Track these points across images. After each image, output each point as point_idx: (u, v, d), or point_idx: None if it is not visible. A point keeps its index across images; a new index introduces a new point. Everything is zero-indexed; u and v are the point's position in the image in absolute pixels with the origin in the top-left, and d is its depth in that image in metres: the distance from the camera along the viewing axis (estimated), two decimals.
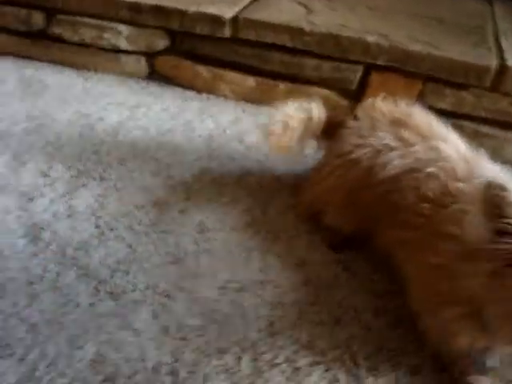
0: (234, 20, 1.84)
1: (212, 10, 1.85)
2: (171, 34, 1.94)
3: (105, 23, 1.97)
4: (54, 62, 2.11)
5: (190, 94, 1.96)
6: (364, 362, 1.14)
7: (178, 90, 1.97)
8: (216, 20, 1.84)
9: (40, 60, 2.13)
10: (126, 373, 1.08)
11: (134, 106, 1.87)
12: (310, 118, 1.45)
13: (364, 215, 1.29)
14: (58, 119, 1.79)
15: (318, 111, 1.46)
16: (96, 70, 2.06)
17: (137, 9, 1.91)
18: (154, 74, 2.03)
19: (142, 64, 2.02)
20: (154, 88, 1.98)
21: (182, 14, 1.88)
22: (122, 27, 1.96)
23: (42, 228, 1.38)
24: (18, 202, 1.46)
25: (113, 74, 2.05)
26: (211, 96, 1.95)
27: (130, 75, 2.04)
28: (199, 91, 1.96)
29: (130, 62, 2.02)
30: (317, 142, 1.52)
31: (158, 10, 1.90)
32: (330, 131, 1.45)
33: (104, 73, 2.06)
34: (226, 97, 1.94)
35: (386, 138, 1.27)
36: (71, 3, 1.99)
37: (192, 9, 1.86)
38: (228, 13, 1.85)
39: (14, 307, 1.19)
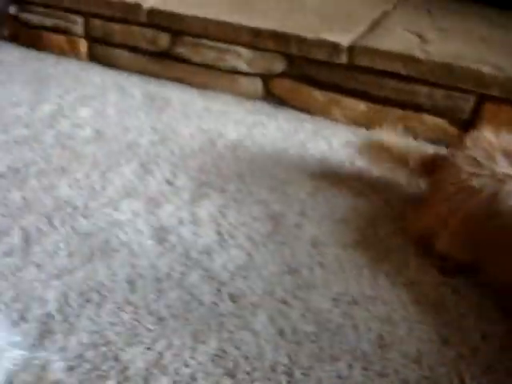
0: (351, 47, 1.92)
1: (330, 37, 1.94)
2: (289, 58, 2.04)
3: (226, 46, 2.10)
4: (175, 79, 2.26)
5: (304, 115, 2.04)
6: (471, 381, 1.17)
7: (292, 112, 2.07)
8: (334, 47, 1.92)
9: (163, 77, 2.28)
10: (246, 369, 1.16)
11: (251, 124, 1.98)
12: (407, 150, 1.54)
13: (481, 243, 1.32)
14: (180, 133, 1.92)
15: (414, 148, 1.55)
16: (214, 89, 2.18)
17: (258, 34, 2.03)
18: (269, 95, 2.14)
19: (258, 85, 2.13)
20: (269, 109, 2.08)
21: (300, 40, 1.97)
22: (243, 50, 2.08)
23: (169, 231, 1.49)
24: (146, 206, 1.59)
25: (230, 94, 2.17)
26: (323, 118, 2.02)
27: (246, 96, 2.15)
28: (312, 114, 2.04)
29: (247, 83, 2.14)
30: (415, 173, 1.59)
31: (278, 35, 2.00)
32: (430, 164, 1.52)
33: (222, 92, 2.17)
34: (337, 120, 2.01)
35: (506, 167, 1.30)
36: (196, 27, 2.14)
37: (311, 35, 1.96)
38: (345, 40, 1.93)
39: (143, 300, 1.30)
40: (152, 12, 2.23)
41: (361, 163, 1.77)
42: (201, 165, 1.76)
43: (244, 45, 2.07)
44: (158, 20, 2.23)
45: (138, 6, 2.24)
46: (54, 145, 1.85)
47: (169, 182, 1.68)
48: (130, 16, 2.28)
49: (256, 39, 2.04)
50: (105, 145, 1.85)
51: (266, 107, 2.10)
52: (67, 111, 2.06)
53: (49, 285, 1.32)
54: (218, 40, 2.12)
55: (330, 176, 1.73)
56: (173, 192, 1.64)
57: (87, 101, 2.13)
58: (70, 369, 1.14)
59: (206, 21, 2.13)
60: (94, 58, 2.46)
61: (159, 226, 1.51)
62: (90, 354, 1.17)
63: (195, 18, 2.15)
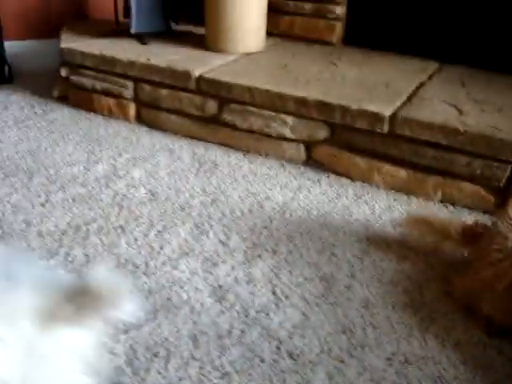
0: (392, 117, 2.03)
1: (372, 107, 2.06)
2: (331, 126, 2.15)
3: (272, 114, 2.22)
4: (222, 143, 2.38)
5: (345, 181, 2.14)
6: None
7: (333, 177, 2.17)
8: (376, 117, 2.04)
9: (210, 141, 2.40)
10: None
11: (296, 188, 2.08)
12: (448, 221, 1.65)
13: None
14: (230, 195, 2.02)
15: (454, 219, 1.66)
16: (259, 154, 2.30)
17: (303, 103, 2.15)
18: (310, 160, 2.24)
19: (300, 151, 2.25)
20: (311, 173, 2.19)
21: (344, 109, 2.09)
22: (288, 118, 2.20)
23: (226, 290, 1.58)
24: (203, 265, 1.67)
25: (274, 158, 2.28)
26: (364, 184, 2.12)
27: (289, 160, 2.27)
28: (353, 179, 2.15)
29: (290, 148, 2.25)
30: (458, 243, 1.69)
31: (323, 105, 2.12)
32: (471, 233, 1.62)
33: (266, 156, 2.29)
34: (378, 186, 2.11)
35: None
36: (244, 95, 2.27)
37: (354, 106, 2.08)
38: (387, 111, 2.05)
39: (207, 356, 1.37)
40: (200, 80, 2.36)
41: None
42: (251, 226, 1.85)
43: (289, 113, 2.19)
44: (206, 87, 2.36)
45: (187, 74, 2.38)
46: (111, 204, 1.96)
47: (222, 243, 1.76)
48: (179, 83, 2.42)
49: (301, 108, 2.16)
50: (159, 205, 1.95)
51: (308, 172, 2.20)
52: (121, 172, 2.17)
53: (118, 339, 1.39)
54: (264, 108, 2.24)
55: (375, 240, 1.82)
56: (227, 252, 1.72)
57: (139, 162, 2.24)
58: None
59: (252, 89, 2.25)
60: (141, 120, 2.60)
61: (217, 284, 1.60)
62: None
63: (242, 87, 2.27)
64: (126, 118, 2.62)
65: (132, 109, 2.60)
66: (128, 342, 1.39)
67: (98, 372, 0.93)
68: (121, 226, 1.84)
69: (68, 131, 2.52)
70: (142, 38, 2.78)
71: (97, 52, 2.64)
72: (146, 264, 1.67)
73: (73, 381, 0.88)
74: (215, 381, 1.30)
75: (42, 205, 1.95)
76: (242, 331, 1.44)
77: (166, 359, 1.36)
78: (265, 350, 1.39)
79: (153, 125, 2.55)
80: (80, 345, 0.88)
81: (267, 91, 2.22)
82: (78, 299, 0.85)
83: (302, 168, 2.23)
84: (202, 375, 1.32)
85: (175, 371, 1.33)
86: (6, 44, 3.07)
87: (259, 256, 1.71)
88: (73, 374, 0.88)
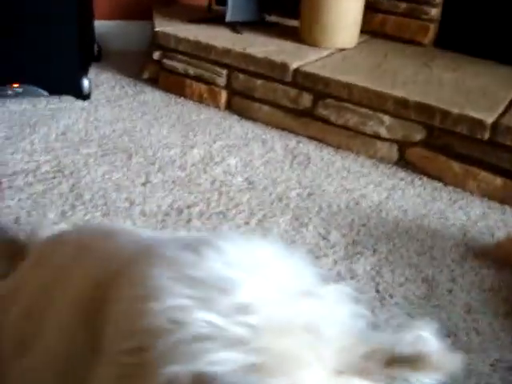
0: (494, 125, 2.02)
1: (474, 114, 2.06)
2: (429, 128, 2.15)
3: (370, 112, 2.24)
4: (314, 138, 2.40)
5: (437, 184, 2.15)
6: None
7: (425, 179, 2.18)
8: (478, 123, 2.03)
9: (302, 134, 2.43)
10: None
11: (390, 188, 2.10)
12: None
13: None
14: (325, 190, 2.05)
15: None
16: (351, 151, 2.31)
17: (403, 104, 2.16)
18: (402, 161, 2.25)
19: (393, 151, 2.26)
20: (404, 174, 2.20)
21: (444, 113, 2.09)
22: (386, 117, 2.21)
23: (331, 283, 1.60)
24: (306, 257, 1.70)
25: (364, 156, 2.29)
26: (457, 189, 2.13)
27: (380, 159, 2.28)
28: (446, 183, 2.15)
29: (383, 147, 2.26)
30: None
31: (423, 107, 2.13)
32: None
33: (357, 154, 2.31)
34: (471, 192, 2.11)
35: None
36: (341, 91, 2.29)
37: (455, 110, 2.08)
38: (489, 118, 2.04)
39: None
40: (297, 72, 2.39)
41: (499, 235, 1.86)
42: (349, 223, 1.87)
43: (387, 112, 2.20)
44: (302, 80, 2.39)
45: (285, 66, 2.41)
46: (210, 189, 2.00)
47: (323, 237, 1.79)
48: (276, 74, 2.45)
49: (400, 108, 2.17)
50: (257, 194, 1.99)
51: (400, 172, 2.21)
52: (216, 158, 2.21)
53: None
54: (362, 105, 2.25)
55: (472, 245, 1.82)
56: (328, 246, 1.75)
57: (233, 150, 2.28)
58: None
59: (350, 86, 2.27)
60: (231, 108, 2.64)
61: (320, 278, 1.62)
62: None
63: (340, 83, 2.29)
64: (216, 105, 2.66)
65: (223, 96, 2.64)
66: None
67: None
68: (222, 212, 1.88)
69: (160, 114, 2.58)
70: (235, 27, 2.82)
71: (191, 37, 2.69)
72: None
73: None
74: None
75: (143, 185, 2.01)
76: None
77: None
78: None
79: (243, 114, 2.59)
80: None
81: (366, 89, 2.24)
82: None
83: (394, 168, 2.24)
84: None
85: None
86: (96, 23, 3.14)
87: (360, 253, 1.74)
88: None
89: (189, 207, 1.90)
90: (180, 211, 1.87)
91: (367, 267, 1.68)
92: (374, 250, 1.76)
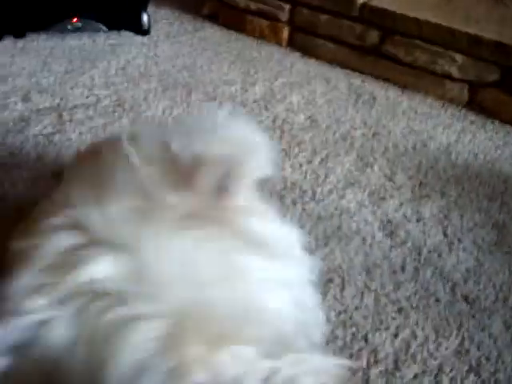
0: None
1: None
2: (503, 69, 2.03)
3: (441, 50, 2.12)
4: (380, 77, 2.30)
5: (510, 128, 2.04)
6: None
7: (498, 123, 2.07)
8: None
9: (367, 73, 2.33)
10: (489, 369, 1.20)
11: (460, 131, 2.00)
12: None
13: None
14: (391, 130, 1.97)
15: None
16: (418, 91, 2.21)
17: (477, 41, 2.04)
18: (473, 103, 2.14)
19: (464, 92, 2.15)
20: (474, 117, 2.10)
21: None
22: (458, 56, 2.09)
23: (397, 226, 1.55)
24: (371, 198, 1.65)
25: (433, 97, 2.19)
26: None
27: (450, 101, 2.17)
28: None
29: (453, 88, 2.16)
30: None
31: (498, 45, 2.01)
32: None
33: (425, 94, 2.20)
34: None
35: None
36: (411, 27, 2.17)
37: None
38: None
39: (382, 289, 1.36)
40: (365, 7, 2.28)
41: None
42: (417, 165, 1.80)
43: (460, 51, 2.08)
44: (370, 16, 2.28)
45: (351, 0, 2.30)
46: (272, 127, 1.95)
47: (388, 178, 1.73)
48: (341, 9, 2.34)
49: (474, 46, 2.05)
50: (320, 133, 1.93)
51: (471, 115, 2.11)
52: (278, 95, 2.15)
53: None
54: (433, 43, 2.13)
55: None
56: (394, 187, 1.69)
57: (295, 88, 2.21)
58: (325, 343, 1.21)
59: (421, 22, 2.15)
60: (294, 45, 2.55)
61: (386, 219, 1.57)
62: (340, 333, 1.24)
63: (410, 18, 2.18)
64: (278, 41, 2.58)
65: (285, 33, 2.56)
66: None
67: None
68: (284, 150, 1.83)
69: (220, 50, 2.51)
70: None
71: None
72: (313, 190, 1.66)
73: None
74: (392, 314, 1.30)
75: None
76: (416, 269, 1.42)
77: (340, 286, 1.36)
78: (440, 290, 1.37)
79: (306, 51, 2.50)
80: None
81: (437, 25, 2.12)
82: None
83: (464, 110, 2.14)
84: (379, 307, 1.31)
85: (351, 300, 1.33)
86: None
87: (427, 196, 1.67)
88: None
89: None
90: None
91: (435, 210, 1.62)
92: (443, 193, 1.69)
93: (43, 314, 0.60)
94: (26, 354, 0.58)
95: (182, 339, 0.60)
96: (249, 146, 0.77)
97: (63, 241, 0.69)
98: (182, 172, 0.76)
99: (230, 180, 0.77)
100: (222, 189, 0.78)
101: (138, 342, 0.59)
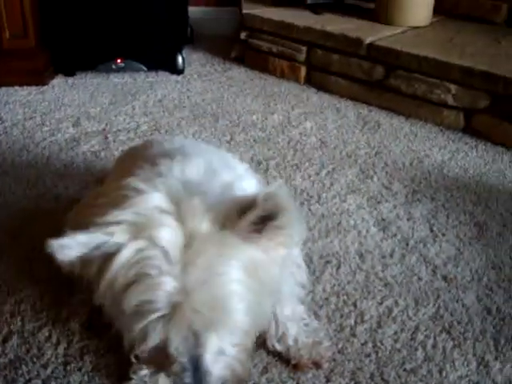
0: None
1: None
2: (493, 96, 2.30)
3: (437, 81, 2.41)
4: (385, 107, 2.59)
5: (500, 148, 2.30)
6: None
7: (490, 145, 2.33)
8: None
9: (374, 104, 2.63)
10: (460, 330, 1.44)
11: (454, 150, 2.27)
12: None
13: None
14: (392, 150, 2.25)
15: None
16: (419, 119, 2.49)
17: (469, 72, 2.32)
18: (468, 128, 2.41)
19: (460, 118, 2.42)
20: (468, 139, 2.36)
21: (508, 81, 2.24)
22: (452, 86, 2.38)
23: (389, 223, 1.81)
24: (369, 202, 1.92)
25: (433, 123, 2.47)
26: None
27: (447, 126, 2.44)
28: (509, 148, 2.29)
29: (450, 115, 2.43)
30: None
31: (487, 75, 2.28)
32: None
33: (425, 121, 2.48)
34: None
35: None
36: (411, 63, 2.47)
37: None
38: None
39: (372, 269, 1.62)
40: (371, 46, 2.59)
41: None
42: (412, 177, 2.07)
43: (453, 81, 2.37)
44: (376, 54, 2.59)
45: (359, 41, 2.62)
46: (287, 147, 2.25)
47: (385, 187, 2.00)
48: (351, 49, 2.66)
49: (466, 77, 2.33)
50: (329, 151, 2.22)
51: (465, 138, 2.38)
52: (294, 122, 2.45)
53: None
54: (430, 75, 2.43)
55: None
56: (389, 194, 1.96)
57: (309, 116, 2.52)
58: (319, 307, 1.47)
59: (420, 58, 2.45)
60: (310, 82, 2.87)
61: (380, 218, 1.84)
62: (333, 300, 1.50)
63: (411, 55, 2.48)
64: (296, 79, 2.90)
65: (303, 71, 2.88)
66: (304, 251, 1.67)
67: None
68: (296, 165, 2.12)
69: (245, 87, 2.85)
70: (315, 9, 3.04)
71: (275, 18, 2.94)
72: (319, 195, 1.94)
73: None
74: (379, 287, 1.55)
75: (228, 142, 2.28)
76: (403, 255, 1.68)
77: (336, 267, 1.62)
78: (422, 272, 1.61)
79: (321, 87, 2.81)
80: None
81: (434, 60, 2.41)
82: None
83: (460, 134, 2.40)
84: (368, 282, 1.56)
85: (345, 276, 1.59)
86: (190, 9, 3.45)
87: (419, 200, 1.93)
88: None
89: (267, 160, 2.15)
90: (259, 163, 2.13)
91: (424, 212, 1.88)
92: (432, 198, 1.95)
93: (112, 233, 0.89)
94: (96, 250, 0.88)
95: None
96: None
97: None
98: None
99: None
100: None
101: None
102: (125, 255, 0.84)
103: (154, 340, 0.86)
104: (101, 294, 0.88)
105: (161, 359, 0.91)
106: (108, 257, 0.86)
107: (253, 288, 0.89)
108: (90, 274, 0.89)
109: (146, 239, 0.85)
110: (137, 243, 0.85)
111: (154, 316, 0.84)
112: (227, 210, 0.88)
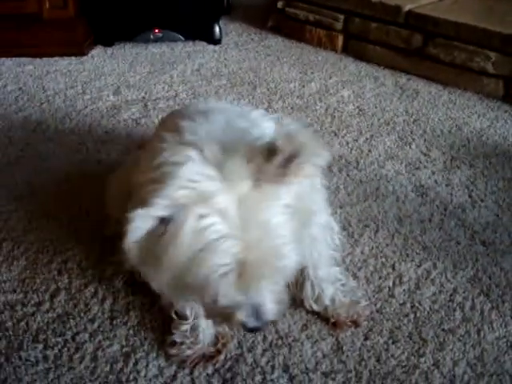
0: None
1: None
2: None
3: (477, 49, 2.38)
4: (423, 76, 2.58)
5: None
6: None
7: None
8: None
9: (412, 73, 2.61)
10: (498, 293, 1.45)
11: (493, 118, 2.25)
12: None
13: None
14: (430, 117, 2.24)
15: None
16: (458, 86, 2.47)
17: (509, 40, 2.29)
18: (507, 96, 2.38)
19: (499, 86, 2.39)
20: (508, 107, 2.34)
21: None
22: (492, 53, 2.35)
23: (427, 188, 1.82)
24: (407, 168, 1.92)
25: (472, 91, 2.45)
26: None
27: (487, 95, 2.42)
28: None
29: (490, 83, 2.41)
30: None
31: None
32: None
33: (464, 90, 2.46)
34: None
35: None
36: (450, 30, 2.45)
37: None
38: None
39: (411, 234, 1.63)
40: (409, 14, 2.57)
41: None
42: (451, 144, 2.06)
43: (494, 49, 2.34)
44: (414, 22, 2.57)
45: (397, 9, 2.60)
46: (324, 114, 2.26)
47: (424, 153, 2.00)
48: (389, 17, 2.64)
49: (506, 45, 2.30)
50: (366, 119, 2.22)
51: (505, 106, 2.36)
52: (331, 90, 2.46)
53: (334, 212, 1.69)
54: (469, 43, 2.40)
55: None
56: (428, 161, 1.96)
57: (346, 84, 2.52)
58: (358, 269, 1.50)
59: (459, 25, 2.42)
60: (348, 51, 2.86)
61: (419, 184, 1.84)
62: (372, 262, 1.53)
63: (449, 22, 2.45)
64: (333, 48, 2.89)
65: (340, 40, 2.87)
66: (342, 215, 1.69)
67: None
68: (334, 132, 2.13)
69: (282, 56, 2.85)
70: None
71: None
72: (357, 161, 1.95)
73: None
74: (417, 251, 1.57)
75: (266, 109, 2.29)
76: (441, 220, 1.69)
77: (375, 230, 1.64)
78: (461, 236, 1.62)
79: (358, 55, 2.80)
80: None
81: (474, 27, 2.38)
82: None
83: (499, 102, 2.38)
84: (407, 245, 1.58)
85: (383, 239, 1.61)
86: None
87: (457, 167, 1.93)
88: None
89: (305, 126, 2.16)
90: None
91: (462, 178, 1.88)
92: (471, 165, 1.95)
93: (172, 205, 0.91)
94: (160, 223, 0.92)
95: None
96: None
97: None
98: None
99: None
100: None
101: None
102: (189, 225, 0.88)
103: (225, 298, 0.93)
104: (166, 266, 0.92)
105: (226, 311, 0.97)
106: (173, 230, 0.89)
107: (296, 228, 0.95)
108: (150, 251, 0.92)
109: (203, 208, 0.89)
110: (197, 212, 0.89)
111: (224, 278, 0.90)
112: (256, 161, 0.91)
